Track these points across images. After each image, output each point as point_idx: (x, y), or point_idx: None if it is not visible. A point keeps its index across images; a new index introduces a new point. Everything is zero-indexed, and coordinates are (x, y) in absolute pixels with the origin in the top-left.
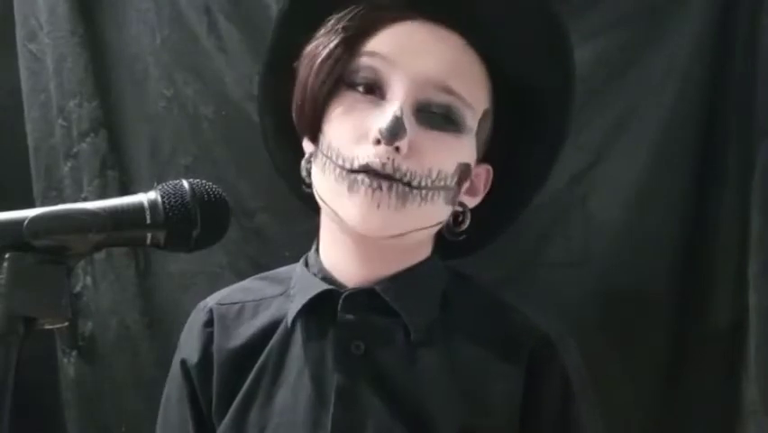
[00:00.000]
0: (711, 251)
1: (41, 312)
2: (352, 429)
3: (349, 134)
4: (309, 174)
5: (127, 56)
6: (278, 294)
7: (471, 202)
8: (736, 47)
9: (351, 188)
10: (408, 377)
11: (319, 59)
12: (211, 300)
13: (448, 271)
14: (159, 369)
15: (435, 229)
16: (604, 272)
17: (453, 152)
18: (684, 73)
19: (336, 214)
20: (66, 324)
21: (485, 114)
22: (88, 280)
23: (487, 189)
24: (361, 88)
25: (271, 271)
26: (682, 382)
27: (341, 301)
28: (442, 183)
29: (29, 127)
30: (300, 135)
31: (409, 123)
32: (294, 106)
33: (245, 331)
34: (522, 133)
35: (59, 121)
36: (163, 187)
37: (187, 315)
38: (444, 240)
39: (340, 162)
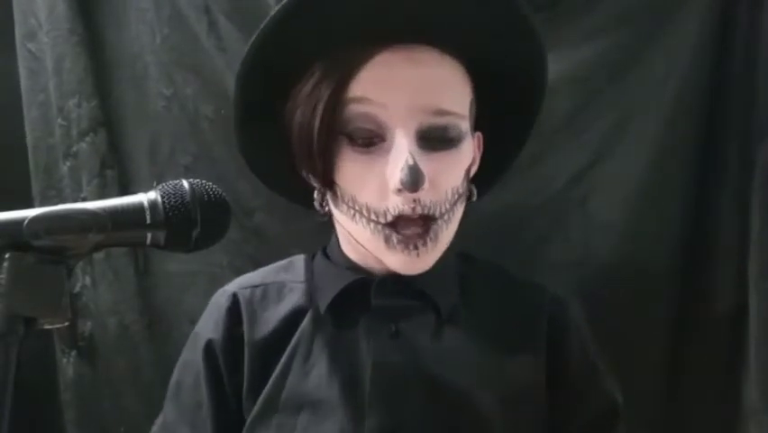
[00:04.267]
0: (711, 251)
1: (40, 312)
2: (388, 403)
3: (371, 190)
4: (322, 205)
5: (127, 55)
6: (296, 281)
7: (473, 170)
8: (735, 47)
9: (387, 243)
10: (439, 354)
11: (317, 118)
12: (231, 287)
13: (455, 252)
14: (158, 369)
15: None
16: (604, 272)
17: (459, 164)
18: (684, 73)
19: (378, 259)
20: (66, 324)
21: (471, 103)
22: (87, 280)
23: (481, 152)
24: (360, 141)
25: (274, 264)
26: (682, 382)
27: (373, 288)
28: (456, 196)
29: (28, 127)
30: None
31: (418, 157)
32: (301, 160)
33: (274, 315)
34: (500, 96)
35: (59, 120)
36: (163, 187)
37: (187, 315)
38: None
39: (373, 217)
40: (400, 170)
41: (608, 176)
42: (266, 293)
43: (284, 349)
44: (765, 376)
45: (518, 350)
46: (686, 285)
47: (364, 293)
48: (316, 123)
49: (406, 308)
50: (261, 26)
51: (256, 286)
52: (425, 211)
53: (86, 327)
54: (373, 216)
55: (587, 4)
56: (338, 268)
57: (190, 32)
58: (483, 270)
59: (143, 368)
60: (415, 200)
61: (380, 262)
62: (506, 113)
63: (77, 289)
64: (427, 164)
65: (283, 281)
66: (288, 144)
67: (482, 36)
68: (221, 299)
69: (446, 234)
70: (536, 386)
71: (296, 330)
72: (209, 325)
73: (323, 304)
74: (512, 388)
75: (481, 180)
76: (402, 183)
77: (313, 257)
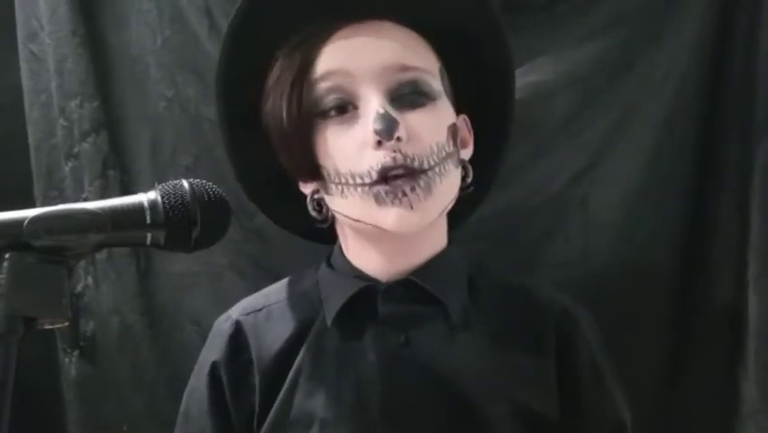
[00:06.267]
0: (711, 251)
1: (41, 312)
2: (399, 415)
3: (350, 154)
4: (319, 211)
5: (128, 56)
6: (299, 296)
7: (467, 154)
8: (735, 47)
9: (378, 201)
10: (450, 361)
11: (285, 100)
12: (234, 313)
13: (465, 258)
14: (160, 369)
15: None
16: (604, 272)
17: (439, 120)
18: (684, 73)
19: (375, 226)
20: (66, 324)
21: (441, 72)
22: (90, 280)
23: (472, 136)
24: (333, 112)
25: (276, 283)
26: (682, 382)
27: (380, 296)
28: (444, 153)
29: (30, 127)
30: (297, 178)
31: (392, 111)
32: (283, 154)
33: (280, 336)
34: (474, 75)
35: (61, 121)
36: (163, 187)
37: (189, 315)
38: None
39: (359, 181)
40: (373, 122)
41: (608, 176)
42: (270, 315)
43: (290, 366)
44: (765, 376)
45: (530, 361)
46: (686, 285)
47: (371, 301)
48: (285, 106)
49: (416, 315)
50: (226, 28)
51: (259, 310)
52: (408, 162)
53: (88, 327)
54: (358, 180)
55: (587, 4)
56: (343, 277)
57: (191, 34)
58: (496, 278)
59: (145, 368)
60: (395, 150)
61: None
62: (486, 101)
63: (80, 289)
64: (403, 119)
65: (286, 300)
66: (276, 156)
67: (433, 8)
68: (224, 326)
69: (441, 189)
70: (549, 399)
71: (302, 346)
72: (213, 350)
73: (329, 316)
74: (526, 400)
75: (478, 181)
76: (377, 132)
77: (317, 269)
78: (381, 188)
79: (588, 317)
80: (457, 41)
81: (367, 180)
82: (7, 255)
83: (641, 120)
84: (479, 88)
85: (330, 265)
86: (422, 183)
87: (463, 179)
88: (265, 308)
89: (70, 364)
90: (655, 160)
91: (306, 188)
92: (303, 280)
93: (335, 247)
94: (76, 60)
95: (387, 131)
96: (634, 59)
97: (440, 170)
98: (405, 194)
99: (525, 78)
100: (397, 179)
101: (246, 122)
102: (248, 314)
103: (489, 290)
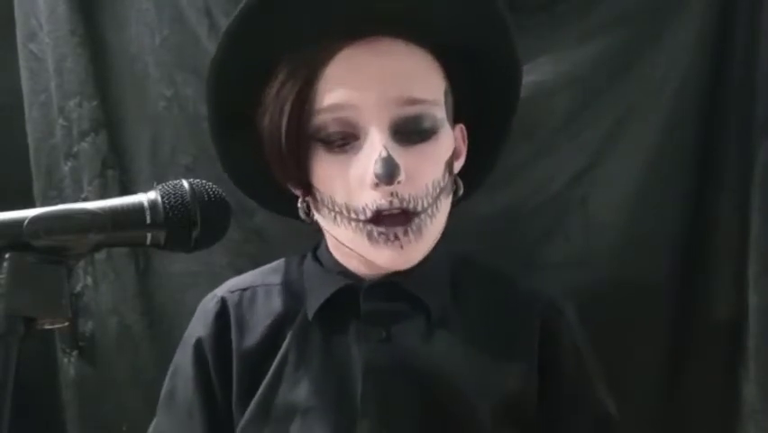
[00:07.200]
0: (711, 251)
1: (41, 312)
2: (380, 407)
3: (347, 188)
4: (307, 214)
5: (127, 56)
6: (285, 284)
7: (458, 165)
8: (735, 47)
9: (370, 239)
10: (430, 357)
11: (284, 120)
12: (220, 291)
13: (451, 254)
14: (159, 369)
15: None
16: (604, 272)
17: (438, 156)
18: (684, 73)
19: (364, 256)
20: (66, 324)
21: (446, 93)
22: (89, 280)
23: (466, 145)
24: (335, 144)
25: (264, 266)
26: (682, 382)
27: (362, 293)
28: (438, 189)
29: (29, 127)
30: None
31: (393, 151)
32: (274, 166)
33: (262, 320)
34: (478, 80)
35: (60, 121)
36: (163, 187)
37: (189, 315)
38: None
39: (353, 216)
40: (374, 163)
41: (608, 176)
42: (254, 297)
43: (273, 356)
44: (765, 376)
45: (510, 357)
46: (686, 285)
47: (354, 298)
48: (284, 124)
49: (397, 313)
50: (224, 30)
51: (244, 289)
52: (404, 205)
53: (87, 327)
54: (353, 215)
55: (587, 4)
56: (328, 272)
57: (191, 34)
58: (481, 274)
59: (144, 368)
60: (392, 194)
61: (369, 265)
62: (488, 104)
63: (79, 289)
64: (404, 157)
65: (272, 284)
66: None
67: (443, 22)
68: (209, 303)
69: (431, 228)
70: (527, 395)
71: (285, 336)
72: (198, 327)
73: (311, 310)
74: (503, 395)
75: (472, 179)
76: (377, 176)
77: (303, 259)
78: (375, 229)
79: (571, 310)
80: (465, 52)
81: (361, 217)
82: (7, 255)
83: (641, 120)
84: (482, 91)
85: (316, 258)
86: (414, 227)
87: (454, 192)
88: (250, 289)
89: (69, 364)
90: (655, 160)
91: (297, 191)
92: (289, 269)
93: (322, 242)
94: (75, 60)
95: (387, 176)
96: (634, 59)
97: (432, 211)
98: (397, 237)
99: (526, 78)
100: (391, 217)
101: (239, 122)
102: (233, 292)
103: (473, 286)
